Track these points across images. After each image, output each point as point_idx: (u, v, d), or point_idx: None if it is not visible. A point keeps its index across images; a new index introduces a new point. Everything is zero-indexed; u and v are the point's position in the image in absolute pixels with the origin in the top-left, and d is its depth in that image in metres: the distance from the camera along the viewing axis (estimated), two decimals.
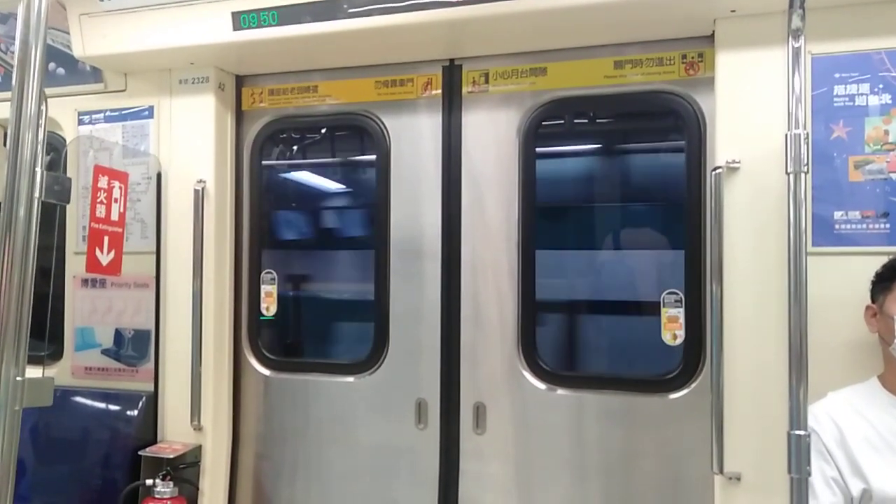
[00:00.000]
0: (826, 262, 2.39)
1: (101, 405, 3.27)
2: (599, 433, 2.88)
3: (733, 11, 2.51)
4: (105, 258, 2.95)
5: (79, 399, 3.28)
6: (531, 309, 2.97)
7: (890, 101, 2.38)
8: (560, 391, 2.93)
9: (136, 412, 3.20)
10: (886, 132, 2.38)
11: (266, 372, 3.35)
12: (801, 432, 1.86)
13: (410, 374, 3.10)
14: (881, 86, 2.39)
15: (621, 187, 3.18)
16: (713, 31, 2.62)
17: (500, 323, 2.99)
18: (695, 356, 2.75)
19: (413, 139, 3.15)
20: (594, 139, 3.24)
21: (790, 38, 1.92)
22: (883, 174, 2.37)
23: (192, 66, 3.22)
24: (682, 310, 2.76)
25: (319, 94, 3.30)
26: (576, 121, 3.14)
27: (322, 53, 3.09)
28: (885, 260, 2.23)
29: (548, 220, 3.10)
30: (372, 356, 3.17)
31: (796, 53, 1.92)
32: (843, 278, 2.36)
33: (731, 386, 2.50)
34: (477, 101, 3.07)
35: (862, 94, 2.40)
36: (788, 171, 1.93)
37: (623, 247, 3.09)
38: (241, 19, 2.87)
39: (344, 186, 3.60)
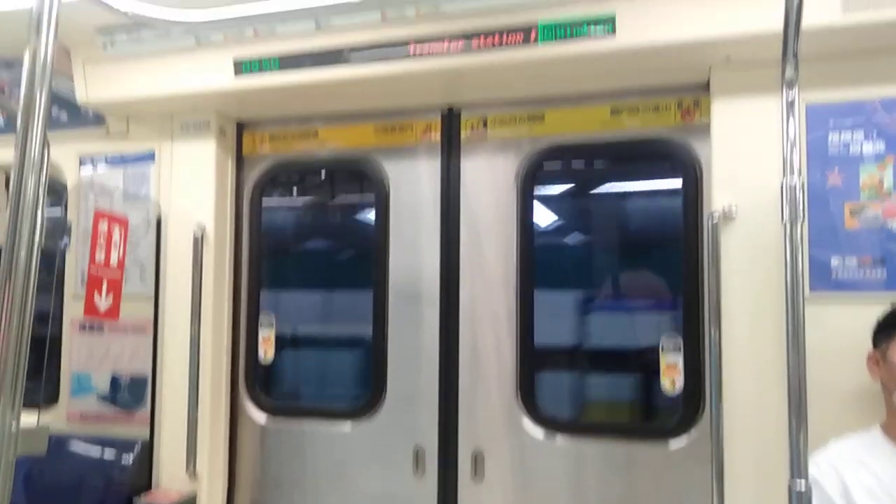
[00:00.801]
0: (824, 308, 2.39)
1: (96, 451, 3.23)
2: (599, 481, 2.85)
3: (728, 60, 2.55)
4: (103, 303, 2.95)
5: (73, 445, 3.24)
6: (530, 355, 2.96)
7: (884, 149, 2.40)
8: (559, 438, 2.90)
9: (130, 458, 3.17)
10: (881, 180, 2.39)
11: (263, 418, 3.32)
12: (802, 481, 1.83)
13: (408, 421, 3.07)
14: (875, 133, 2.42)
15: (619, 232, 3.19)
16: (709, 79, 2.65)
17: (498, 369, 2.98)
18: (694, 403, 2.73)
19: (412, 184, 3.17)
20: (592, 184, 3.27)
21: (784, 88, 1.94)
22: (879, 221, 2.39)
23: (193, 112, 3.26)
24: (680, 357, 2.75)
25: (320, 139, 3.33)
26: (574, 166, 3.17)
27: (323, 99, 3.13)
28: (883, 306, 2.23)
29: (546, 265, 3.10)
30: (369, 402, 3.15)
31: (790, 103, 1.94)
32: (842, 324, 2.36)
33: (731, 433, 2.48)
34: (475, 146, 3.10)
35: (856, 142, 2.43)
36: (784, 220, 1.94)
37: (618, 293, 3.09)
38: (243, 66, 2.91)
39: (343, 231, 3.61)
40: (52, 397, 3.39)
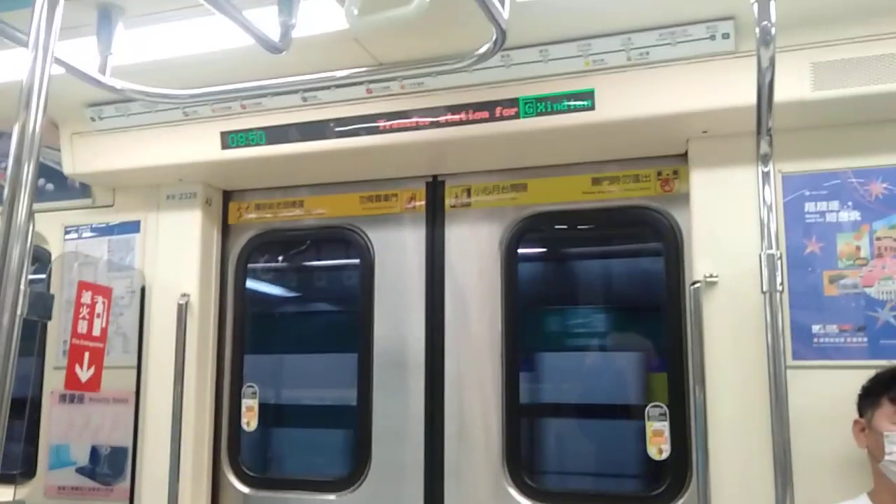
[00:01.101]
0: (807, 375, 2.40)
1: None
2: None
3: (705, 132, 2.62)
4: (84, 374, 2.91)
5: None
6: (516, 425, 2.94)
7: (859, 218, 2.45)
8: None
9: None
10: (858, 248, 2.44)
11: (245, 490, 3.25)
12: None
13: (393, 492, 3.02)
14: (850, 203, 2.47)
15: (602, 300, 3.21)
16: (687, 150, 2.71)
17: (484, 438, 2.95)
18: (681, 471, 2.71)
19: (397, 252, 3.19)
20: (575, 252, 3.30)
21: (759, 163, 1.99)
22: (857, 288, 2.42)
23: (180, 183, 3.29)
24: (666, 423, 2.74)
25: (305, 209, 3.36)
26: (556, 234, 3.20)
27: (308, 170, 3.17)
28: (865, 373, 2.24)
29: (531, 332, 3.11)
30: (354, 473, 3.10)
31: (766, 176, 1.99)
32: (825, 391, 2.37)
33: (719, 501, 2.46)
34: (460, 215, 3.13)
35: (832, 211, 2.48)
36: (764, 289, 1.97)
37: (603, 360, 3.10)
38: (230, 139, 2.95)
39: (328, 299, 3.61)
40: (29, 472, 3.31)
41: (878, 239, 2.43)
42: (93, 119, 3.06)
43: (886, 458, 2.05)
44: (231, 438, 3.31)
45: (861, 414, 2.22)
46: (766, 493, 2.08)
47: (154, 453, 3.13)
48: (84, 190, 3.42)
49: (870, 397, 2.19)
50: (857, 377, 2.25)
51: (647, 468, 2.82)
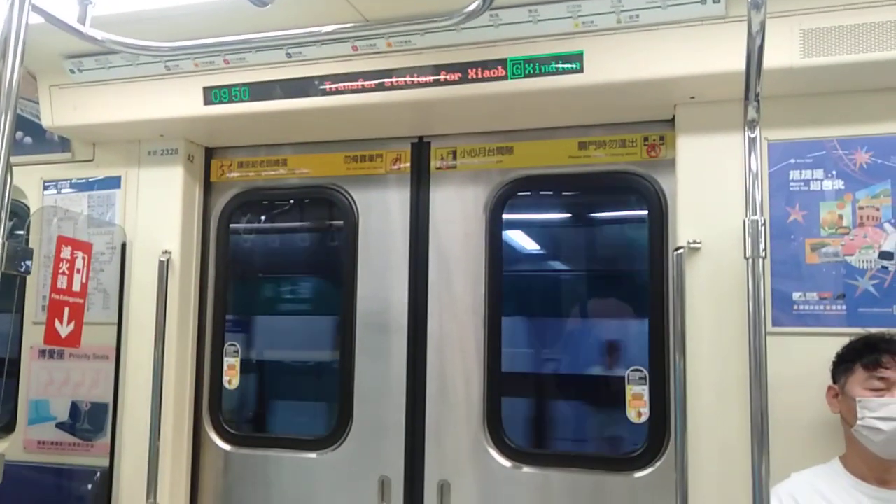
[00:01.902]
0: (786, 341, 2.43)
1: (53, 481, 3.16)
2: None
3: (692, 98, 2.61)
4: (64, 330, 2.90)
5: (30, 475, 3.16)
6: (497, 386, 2.96)
7: (843, 187, 2.47)
8: (526, 469, 2.90)
9: (89, 489, 3.10)
10: (841, 216, 2.45)
11: (226, 447, 3.27)
12: None
13: (374, 451, 3.05)
14: (834, 172, 2.48)
15: (585, 264, 3.22)
16: (674, 116, 2.71)
17: (465, 399, 2.97)
18: (659, 434, 2.75)
19: (381, 213, 3.18)
20: (560, 216, 3.30)
21: (746, 129, 1.99)
22: (838, 257, 2.44)
23: (161, 138, 3.24)
24: (646, 387, 2.77)
25: (289, 167, 3.33)
26: (542, 198, 3.20)
27: (292, 128, 3.13)
28: (843, 341, 2.27)
29: (515, 295, 3.12)
30: (335, 432, 3.12)
31: (752, 142, 1.99)
32: (803, 358, 2.40)
33: (696, 465, 2.50)
34: (445, 177, 3.11)
35: (816, 180, 2.49)
36: (747, 255, 1.98)
37: (585, 324, 3.12)
38: (213, 94, 2.90)
39: (311, 259, 3.60)
40: (8, 427, 3.31)
41: (861, 208, 2.44)
42: (72, 71, 2.99)
43: (858, 423, 2.10)
44: (212, 396, 3.31)
45: (835, 381, 2.27)
46: (743, 456, 2.11)
47: (135, 410, 3.13)
48: (63, 144, 3.37)
49: (843, 364, 2.23)
50: (835, 344, 2.29)
51: (625, 430, 2.86)
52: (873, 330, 2.28)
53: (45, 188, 3.40)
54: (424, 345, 3.05)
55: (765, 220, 1.98)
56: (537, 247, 3.30)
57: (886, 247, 2.41)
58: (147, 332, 3.13)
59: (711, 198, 2.56)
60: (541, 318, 3.22)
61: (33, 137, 3.39)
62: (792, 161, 2.52)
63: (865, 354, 2.17)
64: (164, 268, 3.14)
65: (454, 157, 3.11)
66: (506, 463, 2.91)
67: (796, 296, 2.46)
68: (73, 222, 3.30)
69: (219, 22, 2.48)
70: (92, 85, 3.03)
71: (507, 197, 3.06)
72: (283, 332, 3.56)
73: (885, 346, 2.16)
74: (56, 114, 3.11)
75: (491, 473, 2.92)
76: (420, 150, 3.16)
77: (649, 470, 2.75)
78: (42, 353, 3.29)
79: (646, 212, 2.89)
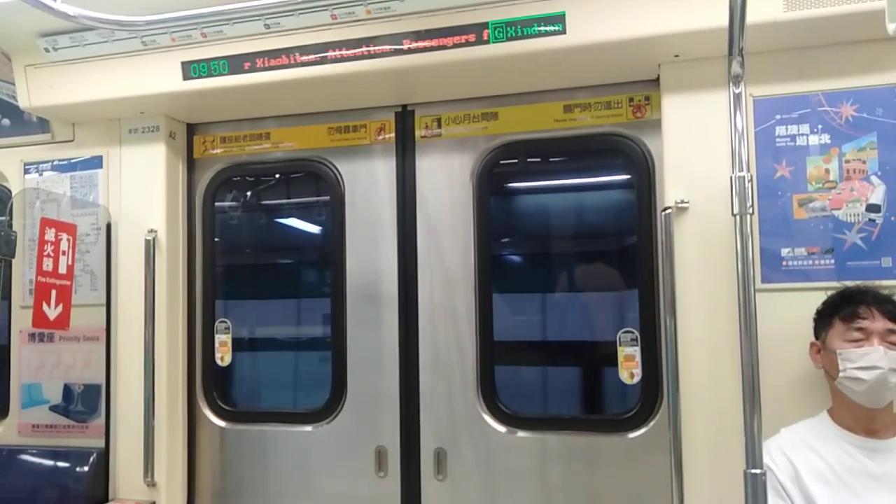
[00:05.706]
0: (775, 298, 2.44)
1: (50, 463, 3.17)
2: (561, 474, 2.87)
3: (676, 56, 2.59)
4: (52, 312, 2.88)
5: (25, 458, 3.17)
6: (490, 352, 2.97)
7: (829, 141, 2.46)
8: (520, 433, 2.92)
9: (86, 469, 3.11)
10: (827, 171, 2.45)
11: (221, 423, 3.28)
12: (757, 471, 1.87)
13: (369, 422, 3.07)
14: (820, 126, 2.47)
15: (574, 228, 3.20)
16: (658, 75, 2.69)
17: (459, 367, 2.98)
18: (652, 394, 2.77)
19: (367, 184, 3.15)
20: (547, 181, 3.28)
21: (730, 84, 1.97)
22: (826, 211, 2.44)
23: (141, 116, 3.20)
24: (637, 349, 2.79)
25: (272, 141, 3.30)
26: (528, 163, 3.18)
27: (274, 101, 3.09)
28: None
29: (504, 262, 3.11)
30: (330, 404, 3.13)
31: (737, 98, 1.97)
32: (793, 314, 2.40)
33: (689, 423, 2.52)
34: (430, 145, 3.09)
35: (802, 135, 2.48)
36: (734, 212, 1.97)
37: (576, 287, 3.11)
38: (192, 69, 2.86)
39: (299, 233, 3.58)
40: (1, 412, 3.30)
41: (847, 162, 2.44)
42: (47, 50, 2.94)
43: (841, 375, 2.12)
44: (205, 373, 3.31)
45: (816, 336, 2.29)
46: (735, 414, 2.12)
47: (128, 390, 3.13)
48: (42, 125, 3.32)
49: (823, 319, 2.25)
50: (823, 298, 2.29)
51: (618, 392, 2.87)
52: (849, 283, 2.29)
53: (27, 171, 3.36)
54: (416, 314, 3.05)
55: (751, 177, 1.96)
56: (525, 212, 3.29)
57: (873, 199, 2.41)
58: (136, 311, 3.12)
59: (698, 157, 2.55)
60: (532, 281, 3.21)
61: (11, 119, 3.35)
62: (778, 117, 2.50)
63: (843, 307, 2.19)
64: (150, 247, 3.12)
65: (439, 125, 3.08)
66: (501, 428, 2.93)
67: (785, 252, 2.47)
68: (57, 204, 3.27)
69: None
70: (68, 63, 2.98)
71: (494, 163, 3.04)
72: (274, 307, 3.54)
73: (860, 297, 2.18)
74: (33, 94, 3.06)
75: (486, 439, 2.94)
76: (404, 118, 3.13)
77: (643, 430, 2.78)
78: (32, 336, 3.27)
79: (633, 173, 2.88)
